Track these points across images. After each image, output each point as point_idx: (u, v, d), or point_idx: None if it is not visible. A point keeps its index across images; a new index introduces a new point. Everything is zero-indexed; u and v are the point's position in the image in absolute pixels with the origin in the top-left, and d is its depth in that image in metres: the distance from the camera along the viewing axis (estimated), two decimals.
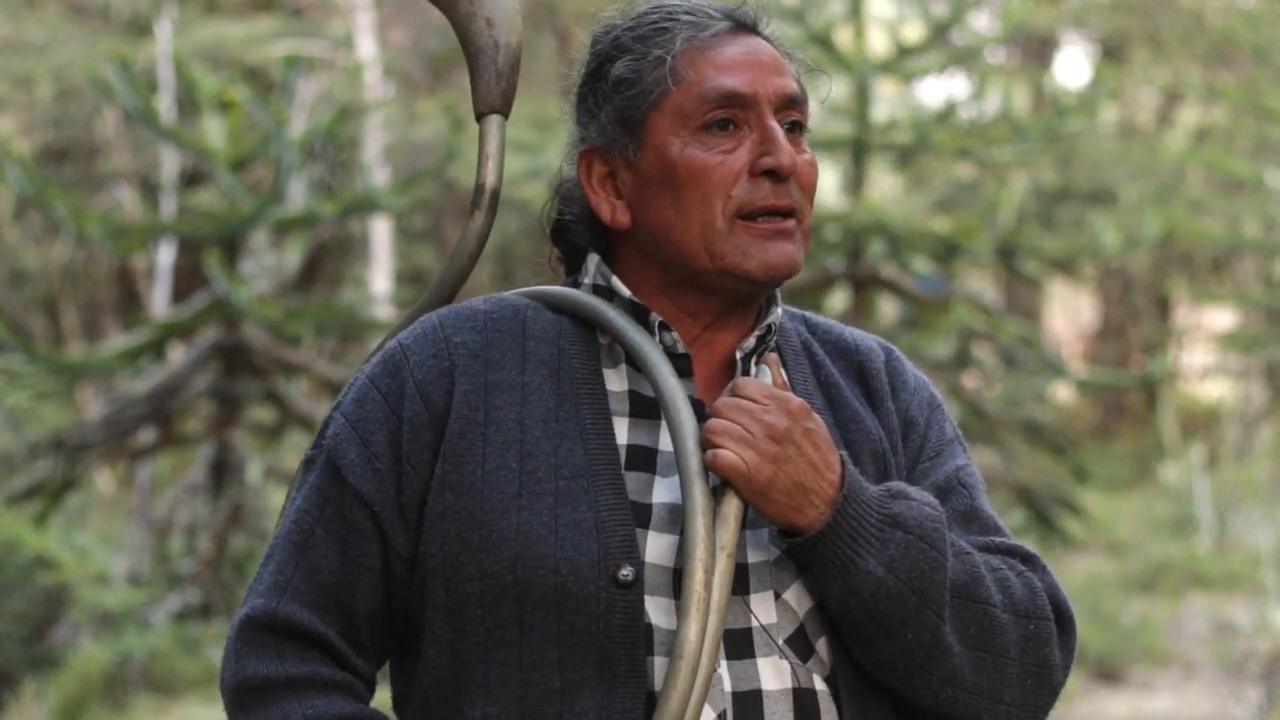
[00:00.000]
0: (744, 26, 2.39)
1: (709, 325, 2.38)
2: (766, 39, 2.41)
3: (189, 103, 13.62)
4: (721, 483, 2.25)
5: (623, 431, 2.32)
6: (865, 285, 11.82)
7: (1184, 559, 14.40)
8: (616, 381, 2.36)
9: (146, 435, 11.49)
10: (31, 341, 15.18)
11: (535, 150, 15.16)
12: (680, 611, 2.20)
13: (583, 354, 2.36)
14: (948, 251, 11.90)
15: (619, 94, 2.37)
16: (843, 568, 2.24)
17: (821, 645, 2.30)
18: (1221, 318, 24.53)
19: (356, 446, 2.31)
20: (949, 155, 12.32)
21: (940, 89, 30.93)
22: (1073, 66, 28.06)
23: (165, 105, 14.45)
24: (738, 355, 2.38)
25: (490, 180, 2.47)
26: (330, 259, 20.32)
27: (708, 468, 2.24)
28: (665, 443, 2.33)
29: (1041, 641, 2.35)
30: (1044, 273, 19.96)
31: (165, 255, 15.19)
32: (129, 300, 19.77)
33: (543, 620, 2.23)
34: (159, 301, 15.16)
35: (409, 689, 2.33)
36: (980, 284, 21.94)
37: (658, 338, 2.34)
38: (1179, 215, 14.54)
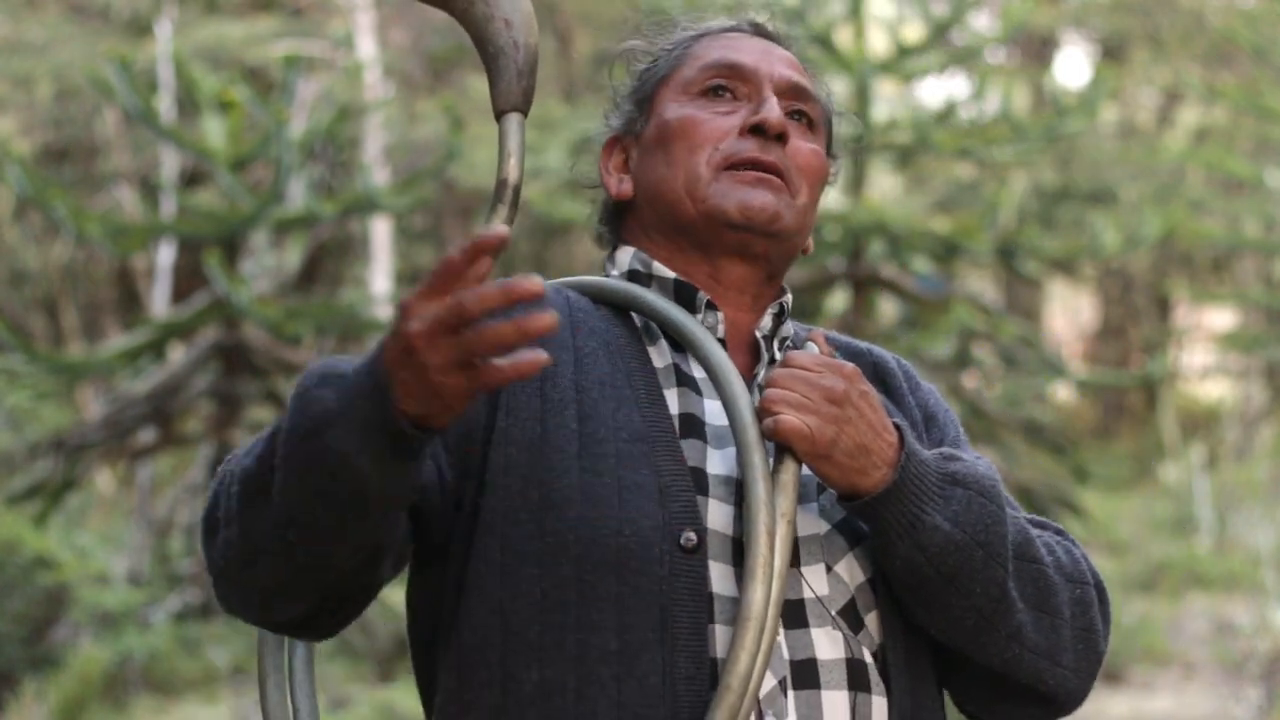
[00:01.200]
0: (765, 33, 2.53)
1: (719, 299, 2.42)
2: (790, 48, 2.55)
3: (189, 103, 13.63)
4: (778, 451, 2.27)
5: (673, 402, 2.35)
6: (865, 285, 11.82)
7: (1184, 559, 14.41)
8: (658, 357, 2.39)
9: (146, 435, 11.50)
10: (32, 341, 15.18)
11: (535, 151, 15.16)
12: (746, 575, 2.20)
13: (625, 331, 2.40)
14: (948, 251, 11.90)
15: (638, 81, 2.51)
16: (910, 525, 2.26)
17: (871, 619, 2.32)
18: (1221, 318, 24.52)
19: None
20: (949, 155, 12.32)
21: (940, 89, 30.94)
22: (1073, 66, 28.07)
23: (165, 105, 14.46)
24: (758, 335, 2.42)
25: (512, 176, 2.51)
26: (330, 259, 20.32)
27: (769, 435, 2.25)
28: (713, 415, 2.35)
29: (1087, 605, 2.38)
30: (1044, 273, 19.96)
31: (165, 255, 15.20)
32: (129, 300, 19.77)
33: (603, 581, 2.22)
34: (159, 301, 15.17)
35: (445, 650, 2.30)
36: (980, 284, 21.94)
37: (701, 318, 2.39)
38: (1179, 215, 14.53)
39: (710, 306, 2.39)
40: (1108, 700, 10.54)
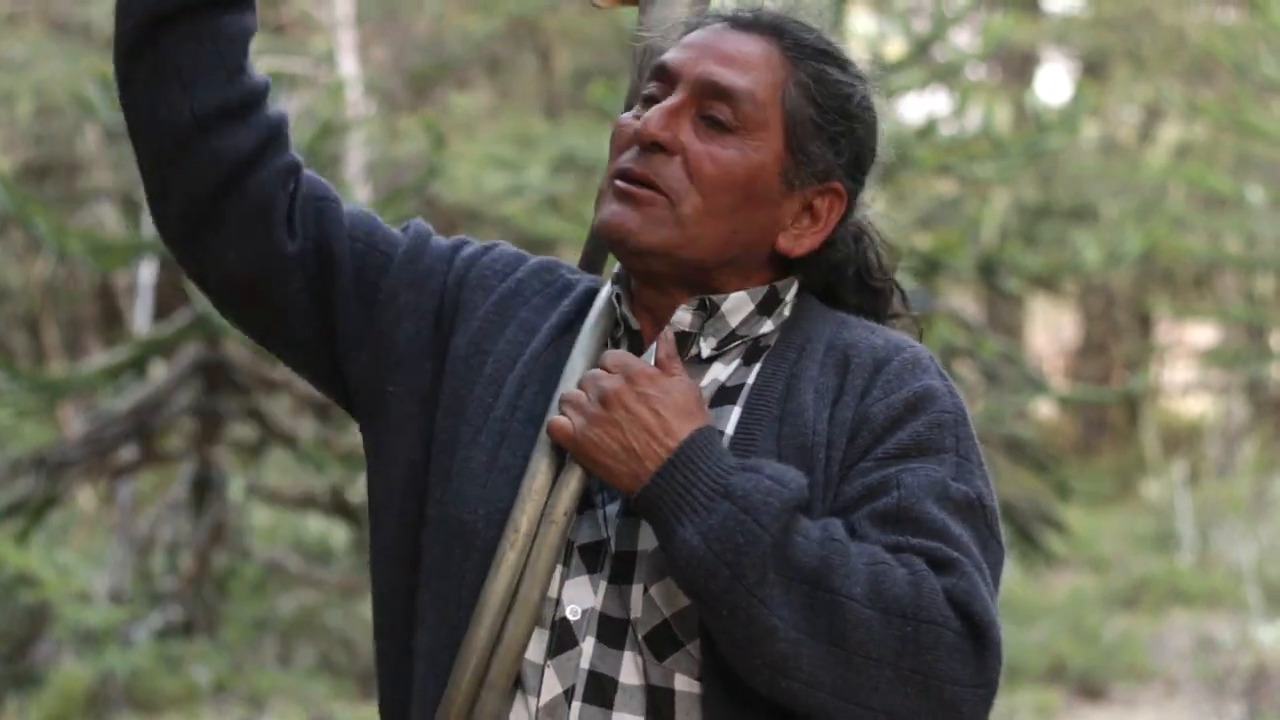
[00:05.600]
0: (743, 24, 2.39)
1: (648, 306, 2.39)
2: (785, 40, 2.39)
3: None
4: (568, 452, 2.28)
5: None
6: None
7: (1166, 575, 14.41)
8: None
9: (128, 452, 11.47)
10: (13, 359, 15.14)
11: (515, 167, 15.15)
12: (490, 570, 2.25)
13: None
14: (929, 268, 11.90)
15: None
16: (665, 534, 2.18)
17: (695, 645, 2.23)
18: (1203, 334, 24.56)
19: (430, 252, 2.51)
20: (930, 171, 12.33)
21: (921, 105, 30.97)
22: (1054, 83, 28.13)
23: None
24: (670, 331, 2.33)
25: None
26: None
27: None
28: None
29: (922, 647, 2.13)
30: (1025, 289, 19.97)
31: (146, 272, 15.17)
32: (110, 317, 19.74)
33: (461, 557, 2.27)
34: (140, 319, 15.13)
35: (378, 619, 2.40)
36: (961, 300, 21.94)
37: (619, 311, 2.39)
38: (1160, 231, 14.55)
39: (618, 299, 2.38)
40: (1090, 717, 10.55)
